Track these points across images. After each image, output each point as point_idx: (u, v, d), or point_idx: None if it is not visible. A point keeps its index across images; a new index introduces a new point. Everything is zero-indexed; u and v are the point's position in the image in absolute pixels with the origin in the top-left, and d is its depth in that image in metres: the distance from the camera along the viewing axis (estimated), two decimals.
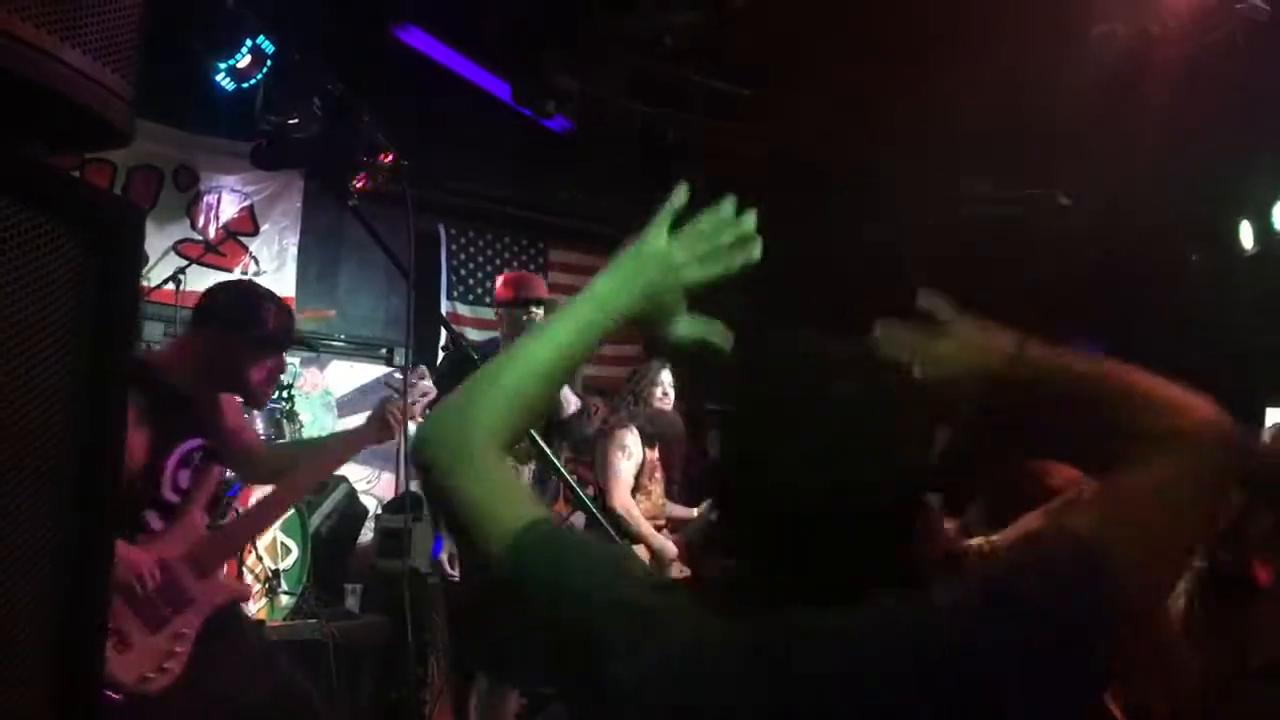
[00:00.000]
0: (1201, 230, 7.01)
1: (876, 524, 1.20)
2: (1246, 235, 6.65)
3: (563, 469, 2.31)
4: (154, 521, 2.99)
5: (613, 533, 2.33)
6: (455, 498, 1.30)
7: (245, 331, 3.09)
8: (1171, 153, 5.96)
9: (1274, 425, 6.35)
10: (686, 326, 1.42)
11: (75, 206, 1.29)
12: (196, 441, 3.09)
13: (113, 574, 2.53)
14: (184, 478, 3.05)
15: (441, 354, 6.91)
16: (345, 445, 3.47)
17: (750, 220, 1.44)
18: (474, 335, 7.96)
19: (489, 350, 4.64)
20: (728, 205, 1.45)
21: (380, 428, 3.42)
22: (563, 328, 1.37)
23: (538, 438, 2.31)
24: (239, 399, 3.32)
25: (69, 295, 1.28)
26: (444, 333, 7.77)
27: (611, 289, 1.39)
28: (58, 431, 1.28)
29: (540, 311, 4.84)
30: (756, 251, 1.43)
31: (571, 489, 2.34)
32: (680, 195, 1.44)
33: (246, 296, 3.18)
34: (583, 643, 1.19)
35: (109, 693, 2.69)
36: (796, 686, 1.13)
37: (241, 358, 3.10)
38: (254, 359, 3.13)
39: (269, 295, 3.21)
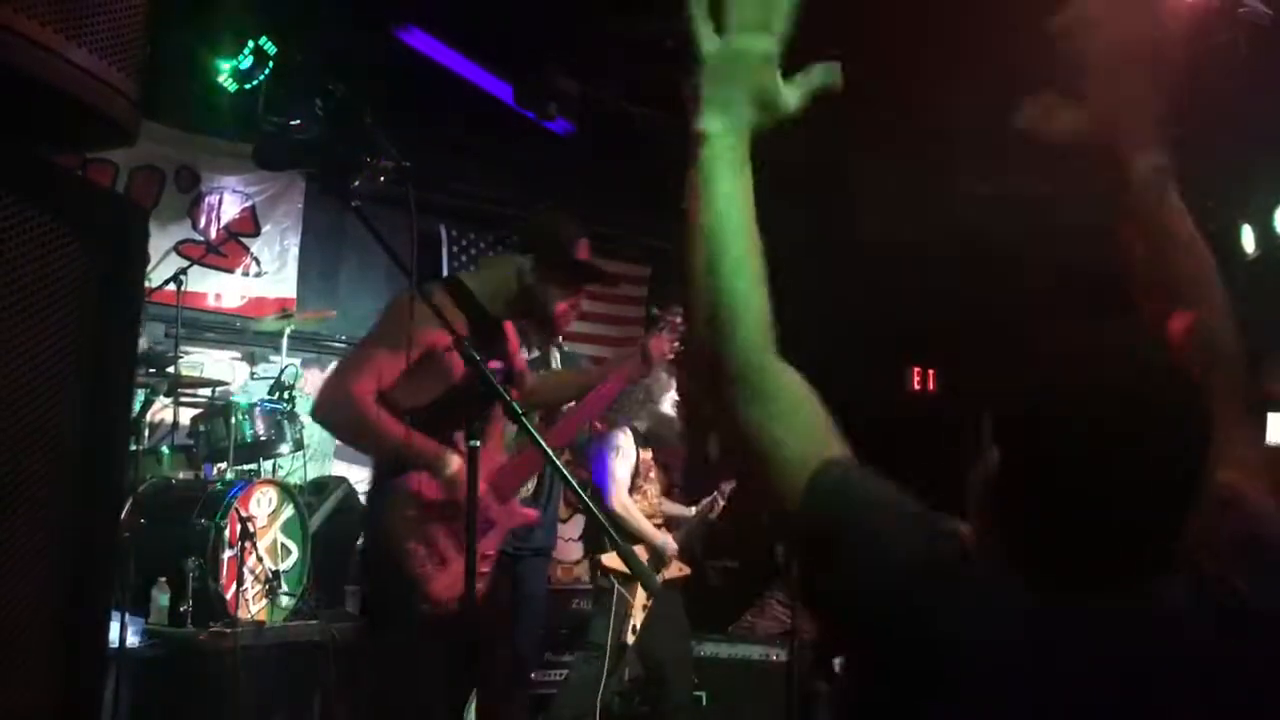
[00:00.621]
0: (1202, 234, 7.00)
1: (1173, 502, 1.19)
2: (1248, 239, 6.64)
3: (563, 469, 2.30)
4: (460, 442, 3.02)
5: (612, 532, 2.33)
6: (751, 430, 1.25)
7: (562, 261, 3.23)
8: (1173, 157, 5.95)
9: None
10: (794, 94, 1.36)
11: (80, 206, 1.29)
12: (497, 364, 3.14)
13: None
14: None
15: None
16: (607, 373, 3.59)
17: None
18: None
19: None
20: None
21: (641, 361, 3.55)
22: (722, 189, 1.32)
23: (538, 437, 2.31)
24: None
25: (73, 295, 1.28)
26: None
27: (720, 124, 1.34)
28: (60, 433, 1.28)
29: None
30: None
31: (574, 489, 2.34)
32: None
33: (565, 226, 3.31)
34: (898, 598, 1.18)
35: (428, 608, 2.87)
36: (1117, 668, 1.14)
37: (551, 286, 3.23)
38: (563, 290, 3.26)
39: (582, 228, 3.35)
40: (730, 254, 1.30)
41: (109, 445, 1.33)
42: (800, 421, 1.29)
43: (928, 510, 1.28)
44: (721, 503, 5.93)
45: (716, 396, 1.28)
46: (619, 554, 2.33)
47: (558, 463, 2.31)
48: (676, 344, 3.65)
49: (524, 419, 2.32)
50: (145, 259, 1.36)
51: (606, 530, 2.35)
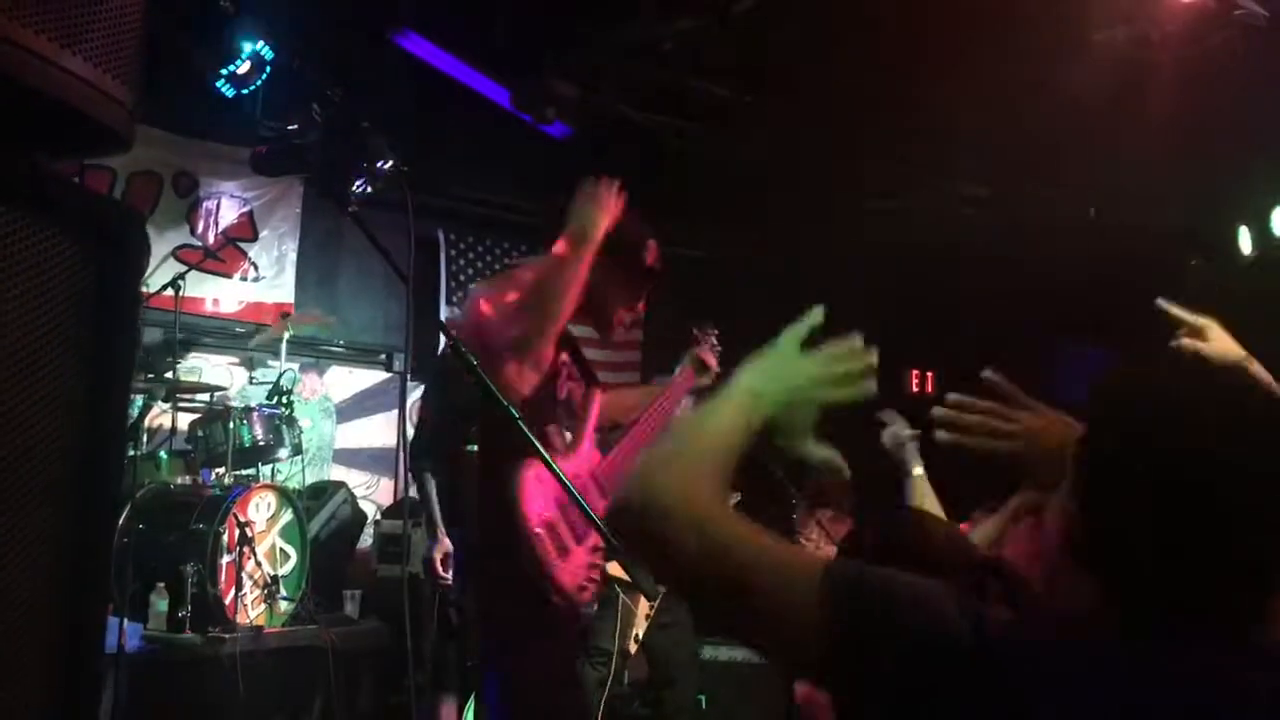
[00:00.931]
0: (1200, 236, 7.01)
1: None
2: (1245, 241, 6.64)
3: (563, 477, 2.29)
4: (555, 437, 3.00)
5: (612, 539, 2.33)
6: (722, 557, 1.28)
7: (628, 262, 3.09)
8: (1170, 158, 5.96)
9: None
10: (816, 447, 1.48)
11: (77, 214, 1.29)
12: (566, 357, 3.10)
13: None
14: (575, 390, 3.10)
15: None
16: (666, 387, 3.49)
17: (874, 355, 1.52)
18: None
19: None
20: (857, 338, 1.53)
21: (694, 372, 3.51)
22: (712, 426, 1.41)
23: (537, 444, 2.31)
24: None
25: (70, 302, 1.28)
26: (443, 339, 7.78)
27: (759, 387, 1.44)
28: (57, 439, 1.28)
29: None
30: (872, 387, 1.51)
31: (574, 497, 2.33)
32: (816, 316, 1.54)
33: (633, 224, 3.13)
34: (959, 682, 1.17)
35: (554, 598, 2.80)
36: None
37: (615, 288, 3.10)
38: (627, 293, 3.14)
39: (650, 227, 3.18)
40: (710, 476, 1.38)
41: (107, 451, 1.33)
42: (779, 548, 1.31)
43: (948, 587, 1.27)
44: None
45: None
46: (619, 562, 2.32)
47: (556, 468, 2.29)
48: (716, 361, 3.62)
49: (530, 437, 2.31)
50: (144, 265, 1.36)
51: (607, 538, 2.34)
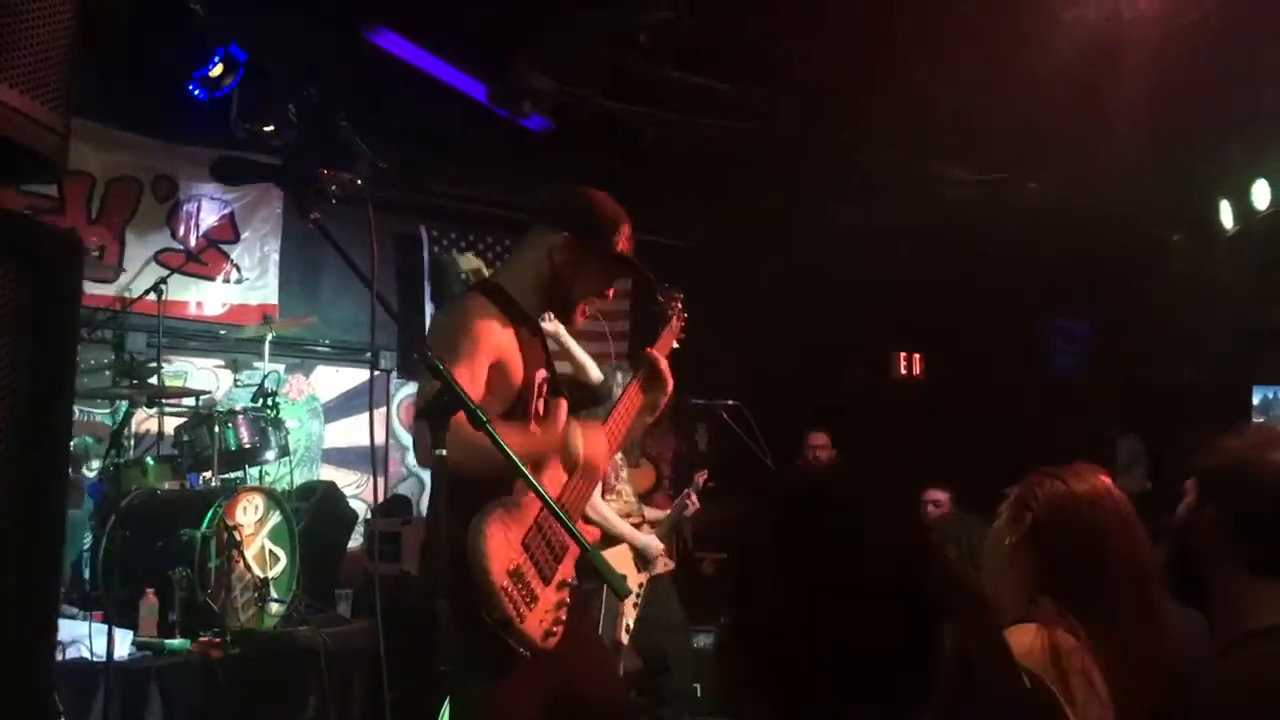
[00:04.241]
0: (1181, 211, 7.02)
1: None
2: (1226, 215, 6.65)
3: (530, 478, 2.28)
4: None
5: (580, 538, 2.32)
6: None
7: (597, 246, 2.91)
8: (1149, 135, 5.96)
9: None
10: None
11: (9, 238, 1.29)
12: (544, 373, 2.97)
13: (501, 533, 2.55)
14: (541, 408, 2.93)
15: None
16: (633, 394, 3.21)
17: None
18: None
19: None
20: None
21: (648, 379, 3.22)
22: None
23: (506, 448, 2.30)
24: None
25: (7, 328, 1.28)
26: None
27: None
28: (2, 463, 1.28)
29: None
30: None
31: (541, 497, 2.32)
32: None
33: (604, 206, 2.97)
34: None
35: (521, 650, 2.69)
36: None
37: (583, 273, 2.93)
38: (595, 280, 2.98)
39: (622, 211, 2.99)
40: None
41: (49, 484, 1.33)
42: None
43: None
44: (694, 499, 5.88)
45: None
46: (587, 559, 2.31)
47: (525, 471, 2.28)
48: (680, 329, 3.45)
49: (488, 427, 2.28)
50: (77, 289, 1.36)
51: (575, 536, 2.34)
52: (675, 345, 3.42)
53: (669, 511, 6.01)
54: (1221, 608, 1.98)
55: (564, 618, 2.85)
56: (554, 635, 2.81)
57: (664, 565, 5.51)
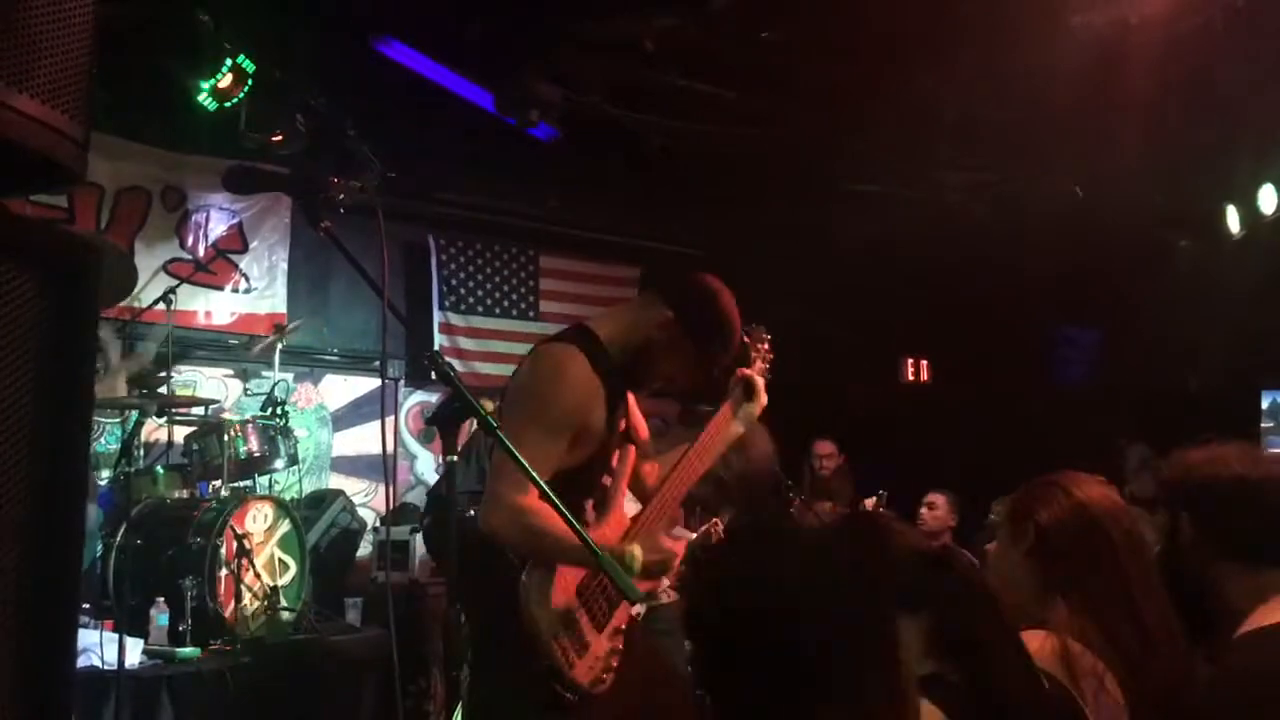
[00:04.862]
0: (1188, 217, 7.02)
1: None
2: (1233, 220, 6.65)
3: (550, 494, 2.28)
4: (589, 510, 2.87)
5: (592, 544, 2.33)
6: None
7: (707, 347, 2.93)
8: (1155, 140, 5.97)
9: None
10: None
11: (32, 246, 1.30)
12: (623, 424, 2.95)
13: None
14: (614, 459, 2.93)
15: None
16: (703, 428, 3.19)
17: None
18: (466, 343, 7.98)
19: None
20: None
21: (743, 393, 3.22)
22: None
23: (516, 454, 2.30)
24: None
25: (29, 336, 1.29)
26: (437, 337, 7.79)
27: None
28: (23, 475, 1.29)
29: None
30: None
31: (560, 510, 2.32)
32: None
33: (726, 312, 2.97)
34: None
35: (566, 694, 2.68)
36: None
37: (678, 360, 2.93)
38: (683, 372, 2.97)
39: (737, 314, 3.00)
40: None
41: (71, 484, 1.34)
42: None
43: None
44: (718, 534, 5.79)
45: None
46: (600, 566, 2.31)
47: (545, 488, 2.27)
48: (766, 368, 3.36)
49: (509, 445, 2.29)
50: (97, 294, 1.37)
51: (588, 542, 2.34)
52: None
53: (692, 536, 5.95)
54: (1222, 609, 2.03)
55: (615, 665, 2.84)
56: (603, 683, 2.79)
57: (669, 596, 5.46)
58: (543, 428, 2.71)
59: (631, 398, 3.07)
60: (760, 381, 3.23)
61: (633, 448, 2.99)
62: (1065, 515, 2.18)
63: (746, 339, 3.40)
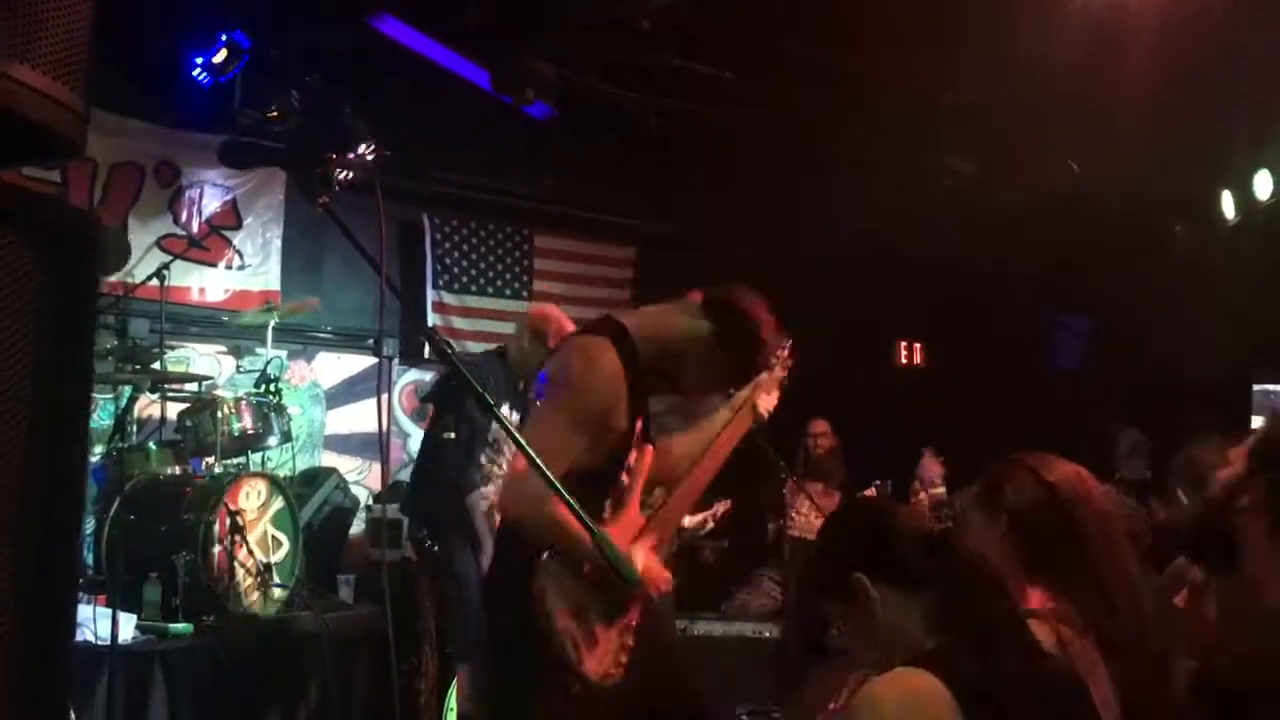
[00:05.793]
0: (1183, 202, 7.03)
1: None
2: (1228, 205, 6.66)
3: (558, 486, 2.27)
4: (608, 510, 2.85)
5: (589, 522, 2.33)
6: None
7: (738, 373, 2.96)
8: (1152, 125, 5.97)
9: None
10: None
11: (29, 219, 1.30)
12: (641, 423, 2.94)
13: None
14: (631, 457, 2.92)
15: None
16: (718, 432, 3.20)
17: None
18: (460, 323, 7.97)
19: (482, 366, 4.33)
20: None
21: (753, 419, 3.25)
22: None
23: (524, 444, 2.29)
24: None
25: (26, 310, 1.29)
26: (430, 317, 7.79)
27: None
28: (17, 451, 1.28)
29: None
30: None
31: (562, 496, 2.31)
32: None
33: (767, 343, 2.96)
34: None
35: (576, 689, 2.69)
36: None
37: (710, 370, 2.92)
38: (714, 381, 2.99)
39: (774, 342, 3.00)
40: None
41: (71, 460, 1.34)
42: None
43: None
44: (712, 524, 5.80)
45: None
46: (595, 543, 2.31)
47: (553, 480, 2.26)
48: (784, 375, 3.37)
49: (506, 424, 2.29)
50: (97, 268, 1.36)
51: (584, 520, 2.35)
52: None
53: (686, 525, 5.96)
54: (1252, 575, 2.05)
55: (624, 660, 2.84)
56: (612, 676, 2.79)
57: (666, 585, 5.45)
58: (569, 418, 2.72)
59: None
60: (774, 392, 3.27)
61: (650, 447, 2.97)
62: (1034, 498, 2.21)
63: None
